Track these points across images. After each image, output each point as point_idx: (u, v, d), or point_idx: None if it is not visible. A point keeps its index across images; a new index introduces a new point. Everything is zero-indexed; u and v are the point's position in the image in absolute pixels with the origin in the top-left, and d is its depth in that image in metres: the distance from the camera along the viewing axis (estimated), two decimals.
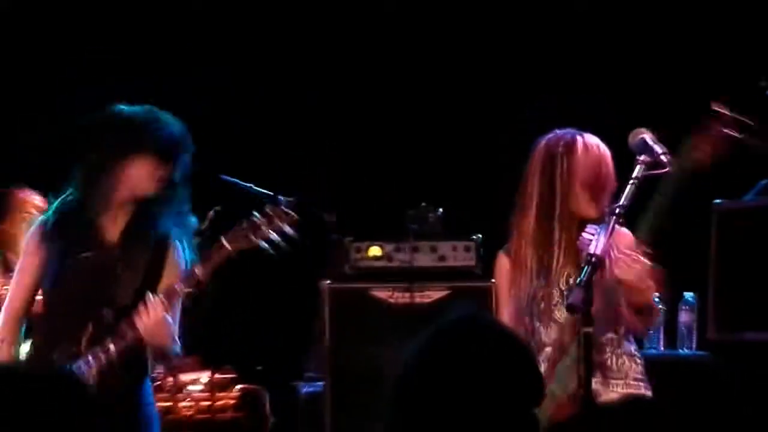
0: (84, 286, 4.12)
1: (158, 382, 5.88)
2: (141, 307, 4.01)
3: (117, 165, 4.11)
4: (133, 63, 7.10)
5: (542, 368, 4.00)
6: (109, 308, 4.08)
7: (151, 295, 4.05)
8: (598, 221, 3.90)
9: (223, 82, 7.20)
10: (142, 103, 4.47)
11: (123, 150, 4.15)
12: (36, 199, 6.34)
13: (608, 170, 4.16)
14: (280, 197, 5.18)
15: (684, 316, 5.49)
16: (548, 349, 4.11)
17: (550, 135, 4.25)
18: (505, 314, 4.23)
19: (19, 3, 7.32)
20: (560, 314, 4.00)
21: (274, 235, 4.18)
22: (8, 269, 6.22)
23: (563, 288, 4.06)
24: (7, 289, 5.73)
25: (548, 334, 4.14)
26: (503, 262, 4.30)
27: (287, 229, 4.22)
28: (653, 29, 6.88)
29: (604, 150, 4.19)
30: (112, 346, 3.98)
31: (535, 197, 4.16)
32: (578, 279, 3.63)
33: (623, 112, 4.80)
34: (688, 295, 5.49)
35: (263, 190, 5.24)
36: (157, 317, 3.97)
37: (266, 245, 4.24)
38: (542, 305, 4.16)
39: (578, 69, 6.95)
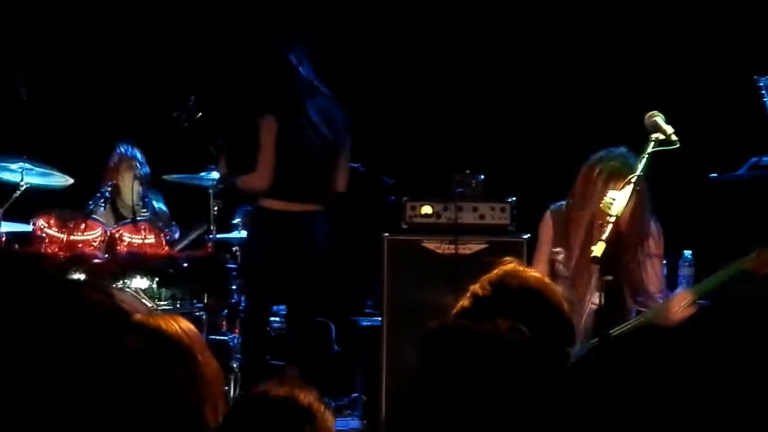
0: None
1: None
2: None
3: None
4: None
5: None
6: None
7: None
8: (618, 188, 4.19)
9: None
10: None
11: None
12: (138, 155, 6.70)
13: None
14: (354, 165, 5.94)
15: (683, 271, 5.29)
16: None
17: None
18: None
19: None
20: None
21: None
22: (118, 214, 6.67)
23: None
24: (117, 229, 6.12)
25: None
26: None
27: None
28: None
29: None
30: None
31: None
32: (602, 236, 3.96)
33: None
34: (687, 252, 5.34)
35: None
36: None
37: None
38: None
39: (611, 51, 7.12)
